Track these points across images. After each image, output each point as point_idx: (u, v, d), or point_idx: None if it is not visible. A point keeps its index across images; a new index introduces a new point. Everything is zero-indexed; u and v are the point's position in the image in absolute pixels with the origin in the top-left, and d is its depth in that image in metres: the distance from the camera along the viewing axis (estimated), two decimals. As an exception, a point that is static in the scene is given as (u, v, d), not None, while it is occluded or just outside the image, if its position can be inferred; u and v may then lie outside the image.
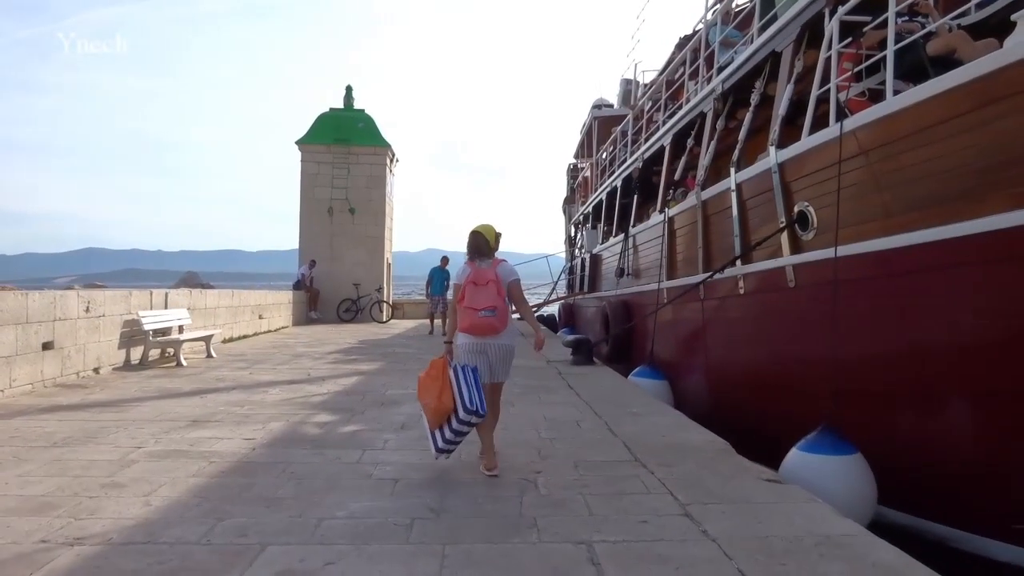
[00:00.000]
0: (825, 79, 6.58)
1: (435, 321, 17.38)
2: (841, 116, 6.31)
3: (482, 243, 4.89)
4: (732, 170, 8.20)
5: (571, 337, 11.48)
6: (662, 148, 11.78)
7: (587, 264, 17.95)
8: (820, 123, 6.74)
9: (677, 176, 10.75)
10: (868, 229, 5.93)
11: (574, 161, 25.81)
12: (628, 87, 19.35)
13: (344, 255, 23.18)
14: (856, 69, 6.34)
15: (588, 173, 20.84)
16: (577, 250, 22.52)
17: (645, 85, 17.62)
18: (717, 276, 8.26)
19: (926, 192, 5.25)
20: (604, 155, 18.85)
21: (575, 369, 10.49)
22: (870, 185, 5.98)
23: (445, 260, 17.51)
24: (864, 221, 5.99)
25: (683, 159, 10.67)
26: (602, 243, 16.89)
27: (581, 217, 21.61)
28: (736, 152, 8.30)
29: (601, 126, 19.48)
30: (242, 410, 7.03)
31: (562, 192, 27.38)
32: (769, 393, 7.52)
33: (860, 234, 5.97)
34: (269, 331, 17.72)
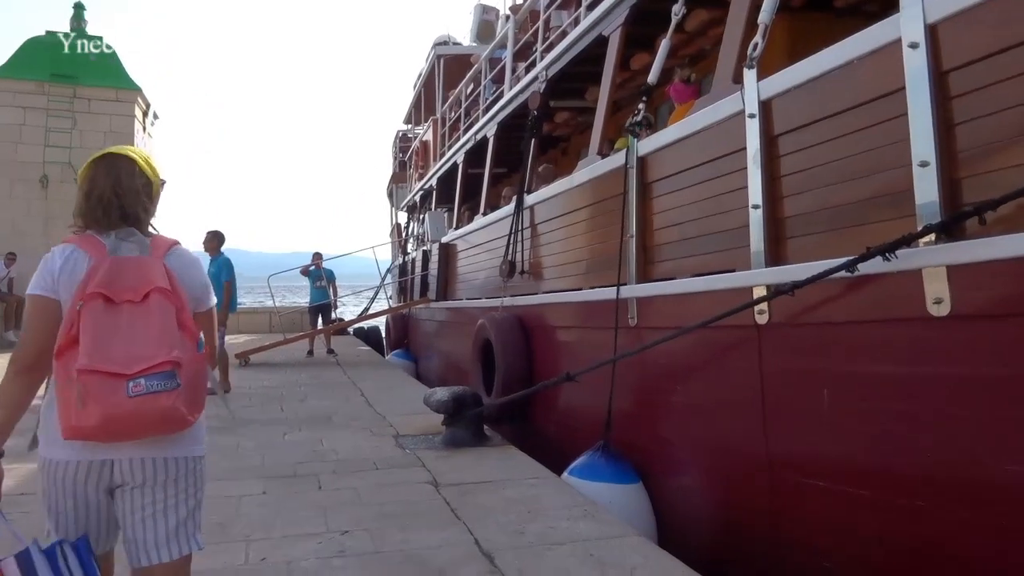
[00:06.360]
0: None
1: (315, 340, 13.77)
2: None
3: (125, 184, 1.84)
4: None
5: (444, 393, 5.94)
6: (599, 41, 6.61)
7: (432, 259, 12.52)
8: None
9: (652, 79, 5.60)
10: None
11: (404, 128, 20.14)
12: (486, 16, 14.17)
13: (66, 246, 15.87)
14: None
15: (429, 136, 15.33)
16: (412, 242, 16.96)
17: (507, 14, 12.53)
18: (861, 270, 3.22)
19: None
20: (453, 111, 13.50)
21: (459, 460, 5.07)
22: None
23: (318, 257, 14.00)
24: None
25: (663, 43, 5.52)
26: (457, 227, 11.58)
27: (418, 197, 16.06)
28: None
29: (449, 68, 14.04)
30: None
31: (382, 177, 21.61)
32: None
33: None
34: None
